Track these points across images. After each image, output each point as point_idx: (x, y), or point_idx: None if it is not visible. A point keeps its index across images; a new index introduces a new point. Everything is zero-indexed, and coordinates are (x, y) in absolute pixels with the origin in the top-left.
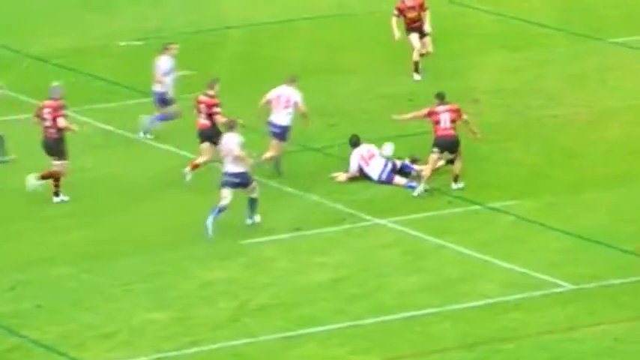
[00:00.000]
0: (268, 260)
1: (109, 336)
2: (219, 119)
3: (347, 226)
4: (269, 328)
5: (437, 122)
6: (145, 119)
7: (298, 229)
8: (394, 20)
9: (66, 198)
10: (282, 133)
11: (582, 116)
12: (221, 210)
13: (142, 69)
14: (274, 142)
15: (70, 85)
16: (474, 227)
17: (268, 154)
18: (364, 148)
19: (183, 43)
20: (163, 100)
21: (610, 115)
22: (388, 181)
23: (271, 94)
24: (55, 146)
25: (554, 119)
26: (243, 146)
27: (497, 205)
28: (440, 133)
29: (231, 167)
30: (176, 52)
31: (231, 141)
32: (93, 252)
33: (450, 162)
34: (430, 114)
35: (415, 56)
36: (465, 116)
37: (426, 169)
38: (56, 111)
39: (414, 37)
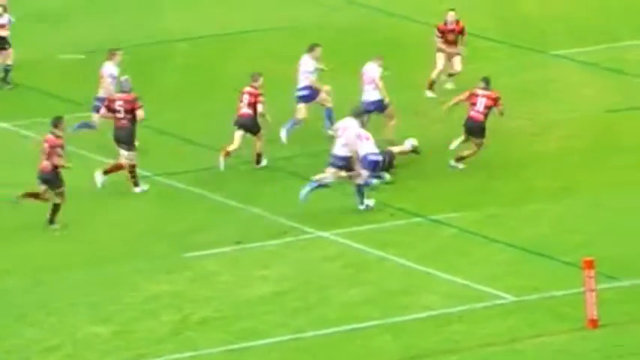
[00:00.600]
0: (211, 274)
1: (53, 350)
2: (262, 108)
3: (289, 239)
4: (212, 342)
5: (473, 104)
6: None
7: (240, 243)
8: (438, 41)
9: (146, 187)
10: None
11: (525, 128)
12: (320, 185)
13: (84, 82)
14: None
15: (6, 97)
16: (416, 239)
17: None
18: (362, 130)
19: (129, 56)
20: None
21: (553, 128)
22: (366, 164)
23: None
24: (128, 137)
25: (497, 131)
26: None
27: (439, 217)
28: (470, 114)
29: (340, 150)
30: (120, 58)
31: (352, 126)
32: (42, 265)
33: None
34: (470, 96)
35: (434, 75)
36: (501, 107)
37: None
38: (131, 103)
39: (441, 56)
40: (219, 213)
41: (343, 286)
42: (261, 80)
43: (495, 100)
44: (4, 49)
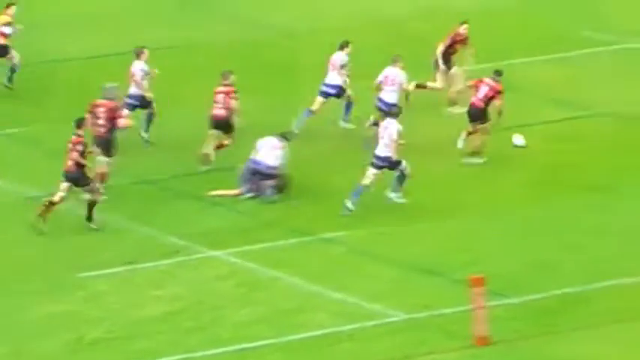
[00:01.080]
0: (104, 294)
1: None
2: (235, 104)
3: (181, 258)
4: None
5: (476, 90)
6: None
7: (132, 263)
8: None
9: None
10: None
11: (418, 146)
12: (363, 189)
13: None
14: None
15: None
16: (307, 258)
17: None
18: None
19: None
20: None
21: (445, 146)
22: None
23: (380, 76)
24: (106, 144)
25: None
26: (400, 134)
27: (329, 235)
28: (471, 100)
29: (382, 151)
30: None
31: (392, 126)
32: None
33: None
34: (476, 83)
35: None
36: (498, 102)
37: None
38: (112, 111)
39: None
40: (112, 233)
41: (236, 306)
42: (232, 78)
43: (496, 93)
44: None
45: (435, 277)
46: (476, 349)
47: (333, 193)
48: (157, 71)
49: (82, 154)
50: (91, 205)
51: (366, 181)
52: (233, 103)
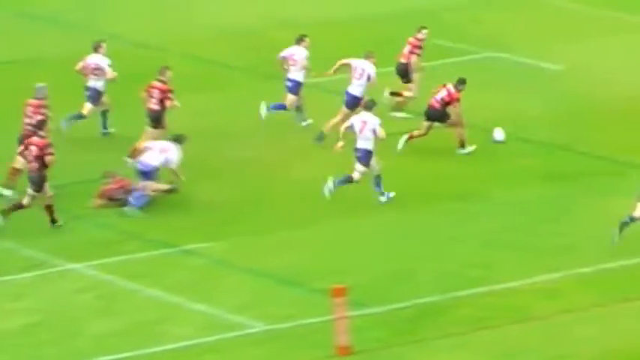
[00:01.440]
0: None
1: None
2: (169, 104)
3: (40, 271)
4: None
5: (436, 92)
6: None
7: None
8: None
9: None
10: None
11: (270, 157)
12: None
13: None
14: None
15: None
16: (167, 270)
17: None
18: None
19: None
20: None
21: (296, 156)
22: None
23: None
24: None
25: (244, 160)
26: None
27: (190, 247)
28: (430, 102)
29: (361, 144)
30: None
31: (371, 120)
32: None
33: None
34: (439, 87)
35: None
36: (456, 109)
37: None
38: (38, 109)
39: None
40: None
41: (95, 318)
42: (168, 74)
43: (453, 100)
44: None
45: (296, 287)
46: (338, 358)
47: (195, 204)
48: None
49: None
50: (49, 209)
51: (355, 175)
52: (167, 102)
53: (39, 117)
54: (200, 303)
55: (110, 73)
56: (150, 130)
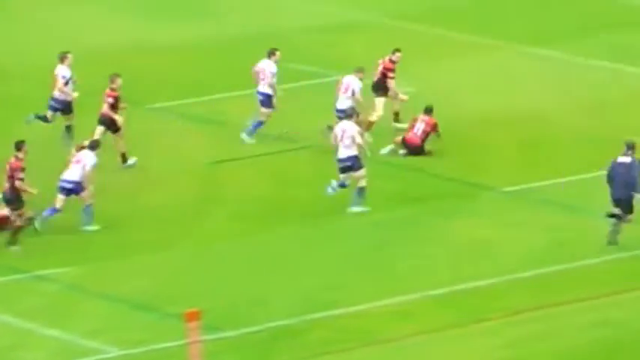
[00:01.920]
0: None
1: None
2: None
3: None
4: None
5: (412, 127)
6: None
7: None
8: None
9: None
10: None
11: (131, 182)
12: (342, 186)
13: None
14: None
15: None
16: (19, 296)
17: None
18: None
19: None
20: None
21: (158, 180)
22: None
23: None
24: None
25: (96, 185)
26: (361, 134)
27: (42, 272)
28: (408, 136)
29: (343, 152)
30: (71, 60)
31: (350, 128)
32: None
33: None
34: (411, 122)
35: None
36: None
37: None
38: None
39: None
40: None
41: None
42: (118, 81)
43: (432, 126)
44: None
45: (150, 312)
46: None
47: (47, 229)
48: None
49: (20, 179)
50: (16, 230)
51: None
52: (105, 107)
53: None
54: (53, 328)
55: (58, 85)
56: (101, 129)
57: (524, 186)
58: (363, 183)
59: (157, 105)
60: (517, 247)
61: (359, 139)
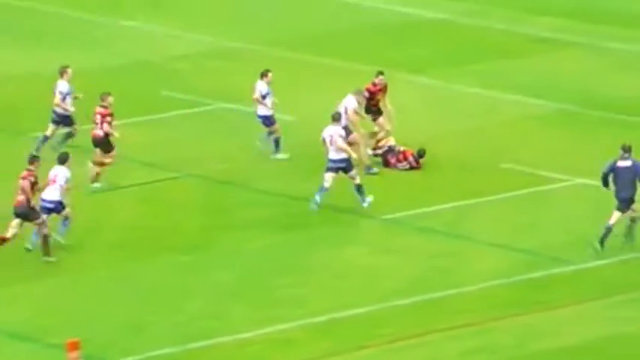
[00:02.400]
0: None
1: None
2: (107, 127)
3: None
4: None
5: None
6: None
7: None
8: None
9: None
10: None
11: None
12: (323, 190)
13: None
14: None
15: None
16: None
17: None
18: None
19: None
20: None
21: None
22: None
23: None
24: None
25: None
26: (345, 139)
27: None
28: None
29: (334, 155)
30: (71, 75)
31: (335, 132)
32: None
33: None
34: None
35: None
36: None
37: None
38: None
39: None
40: None
41: None
42: (110, 99)
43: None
44: None
45: (31, 342)
46: None
47: None
48: (80, 96)
49: (32, 188)
50: (45, 239)
51: (326, 184)
52: (105, 126)
53: None
54: None
55: (56, 100)
56: (98, 151)
57: (403, 213)
58: (357, 180)
59: (39, 134)
60: (397, 274)
61: (340, 142)
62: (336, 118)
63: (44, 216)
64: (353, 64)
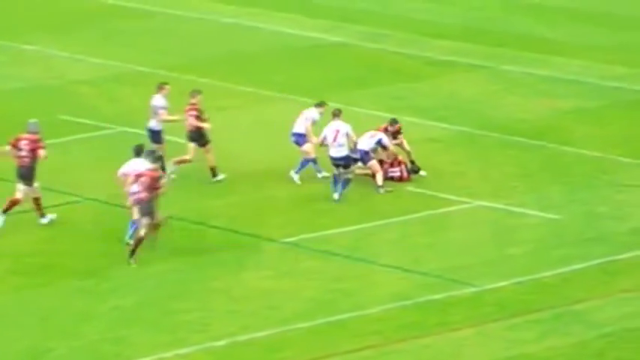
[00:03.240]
0: None
1: None
2: (41, 153)
3: None
4: None
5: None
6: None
7: None
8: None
9: (53, 216)
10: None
11: None
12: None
13: None
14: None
15: None
16: None
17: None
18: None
19: None
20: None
21: None
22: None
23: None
24: (29, 174)
25: None
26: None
27: None
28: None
29: (337, 152)
30: (168, 91)
31: (342, 127)
32: None
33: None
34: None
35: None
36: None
37: None
38: (34, 143)
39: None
40: None
41: None
42: (199, 97)
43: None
44: None
45: None
46: None
47: None
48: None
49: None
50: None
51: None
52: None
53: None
54: None
55: (162, 115)
56: (191, 145)
57: (304, 236)
58: (350, 176)
59: None
60: (298, 297)
61: (352, 135)
62: (336, 113)
63: None
64: (256, 89)
